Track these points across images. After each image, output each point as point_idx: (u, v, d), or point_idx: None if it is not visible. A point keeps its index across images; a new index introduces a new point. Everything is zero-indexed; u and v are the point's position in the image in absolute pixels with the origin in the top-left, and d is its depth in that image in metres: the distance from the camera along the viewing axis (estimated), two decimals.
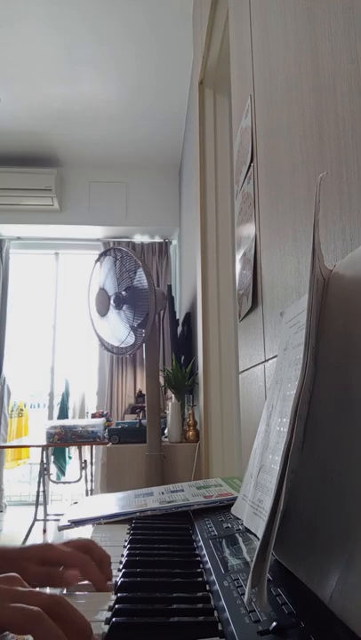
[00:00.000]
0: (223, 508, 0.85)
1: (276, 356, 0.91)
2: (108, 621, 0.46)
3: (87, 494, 3.95)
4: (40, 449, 3.77)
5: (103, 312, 2.39)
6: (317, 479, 0.45)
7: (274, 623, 0.39)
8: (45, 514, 3.85)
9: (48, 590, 0.48)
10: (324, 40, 0.64)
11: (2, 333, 4.72)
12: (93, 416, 4.09)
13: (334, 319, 0.48)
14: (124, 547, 0.72)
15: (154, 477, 2.32)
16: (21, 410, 4.98)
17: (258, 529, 0.59)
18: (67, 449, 4.71)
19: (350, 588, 0.36)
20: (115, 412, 4.61)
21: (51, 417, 4.82)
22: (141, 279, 2.30)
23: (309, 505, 0.45)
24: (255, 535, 0.61)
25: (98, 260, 2.50)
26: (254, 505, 0.62)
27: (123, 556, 0.67)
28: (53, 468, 4.55)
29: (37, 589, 0.42)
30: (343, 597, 0.37)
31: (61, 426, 3.44)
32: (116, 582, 0.57)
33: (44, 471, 3.76)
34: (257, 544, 0.40)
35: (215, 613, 0.48)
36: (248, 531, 0.66)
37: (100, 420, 3.52)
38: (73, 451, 4.68)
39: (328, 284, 0.50)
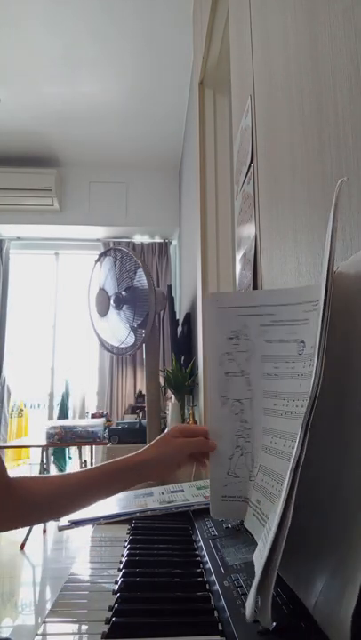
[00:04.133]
0: None
1: None
2: (108, 621, 0.46)
3: None
4: (40, 449, 3.77)
5: (103, 312, 2.39)
6: (311, 487, 0.44)
7: (274, 623, 0.39)
8: None
9: None
10: (325, 40, 0.64)
11: (2, 333, 4.72)
12: (93, 416, 4.09)
13: (335, 321, 0.47)
14: (124, 547, 0.72)
15: None
16: (21, 410, 4.98)
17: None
18: (67, 449, 4.70)
19: (333, 598, 0.36)
20: (115, 412, 4.60)
21: (51, 417, 4.82)
22: (141, 279, 2.30)
23: (301, 512, 0.45)
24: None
25: (98, 260, 2.50)
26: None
27: (123, 556, 0.67)
28: (53, 469, 4.54)
29: None
30: (326, 607, 0.36)
31: (61, 426, 3.44)
32: (117, 582, 0.57)
33: (44, 471, 3.76)
34: (263, 557, 0.39)
35: (215, 613, 0.48)
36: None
37: (100, 421, 3.52)
38: (73, 451, 4.68)
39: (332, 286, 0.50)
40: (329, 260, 0.46)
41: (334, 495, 0.41)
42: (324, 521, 0.41)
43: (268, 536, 0.43)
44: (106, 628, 0.45)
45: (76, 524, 0.82)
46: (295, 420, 0.56)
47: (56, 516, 0.68)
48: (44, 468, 3.76)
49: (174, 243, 4.98)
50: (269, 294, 0.67)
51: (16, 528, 0.66)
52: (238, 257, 1.26)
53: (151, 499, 0.95)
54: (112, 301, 2.34)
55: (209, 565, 0.59)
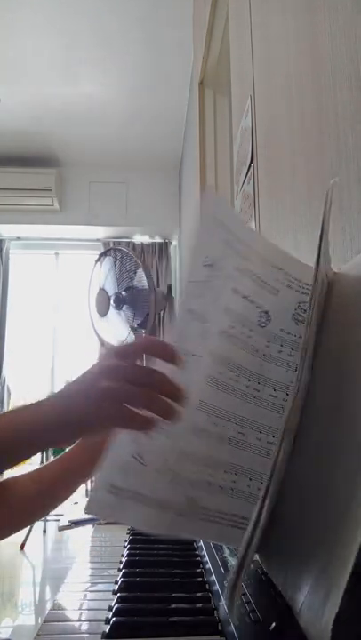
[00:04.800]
0: None
1: None
2: (108, 621, 0.46)
3: (87, 495, 3.95)
4: None
5: (103, 312, 2.39)
6: (301, 486, 0.44)
7: (273, 623, 0.39)
8: None
9: None
10: (325, 40, 0.64)
11: (2, 334, 4.71)
12: None
13: (335, 322, 0.47)
14: (124, 547, 0.72)
15: None
16: None
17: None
18: (66, 449, 4.70)
19: (317, 602, 0.35)
20: None
21: None
22: (141, 279, 2.30)
23: (291, 511, 0.45)
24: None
25: (98, 260, 2.50)
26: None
27: (123, 556, 0.67)
28: None
29: None
30: (309, 611, 0.35)
31: None
32: (117, 582, 0.57)
33: None
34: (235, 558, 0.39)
35: (215, 613, 0.48)
36: None
37: None
38: None
39: (332, 287, 0.50)
40: (317, 263, 0.45)
41: (325, 495, 0.40)
42: (314, 521, 0.41)
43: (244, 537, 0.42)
44: (106, 627, 0.45)
45: (76, 524, 0.82)
46: (240, 400, 0.48)
47: (44, 515, 0.67)
48: None
49: (174, 243, 4.97)
50: (257, 238, 0.53)
51: (12, 533, 0.65)
52: None
53: None
54: (112, 301, 2.34)
55: (209, 565, 0.59)
